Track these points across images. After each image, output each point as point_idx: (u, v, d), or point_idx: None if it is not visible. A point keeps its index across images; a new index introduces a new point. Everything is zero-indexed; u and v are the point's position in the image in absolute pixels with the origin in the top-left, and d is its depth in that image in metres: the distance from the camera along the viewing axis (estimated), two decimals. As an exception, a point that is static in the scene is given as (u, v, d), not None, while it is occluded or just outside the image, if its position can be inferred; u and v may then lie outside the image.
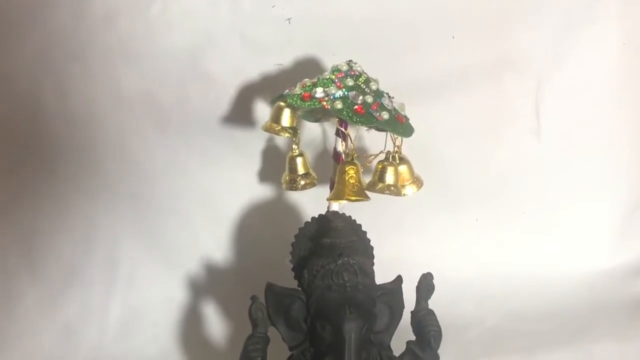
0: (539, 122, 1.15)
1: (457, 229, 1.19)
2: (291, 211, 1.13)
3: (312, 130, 1.11)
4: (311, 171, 1.01)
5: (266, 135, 1.11)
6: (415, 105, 0.97)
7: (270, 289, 0.89)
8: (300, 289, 0.89)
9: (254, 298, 0.89)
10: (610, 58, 1.15)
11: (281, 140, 1.11)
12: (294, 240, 0.92)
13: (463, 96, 1.13)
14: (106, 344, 1.10)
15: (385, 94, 0.93)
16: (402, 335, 0.93)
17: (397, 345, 0.93)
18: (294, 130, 0.95)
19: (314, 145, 1.11)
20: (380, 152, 0.93)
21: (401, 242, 1.12)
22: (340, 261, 0.86)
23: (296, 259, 0.92)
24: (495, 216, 1.19)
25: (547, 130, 1.16)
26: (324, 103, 0.90)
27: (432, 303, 0.92)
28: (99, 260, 1.11)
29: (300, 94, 0.91)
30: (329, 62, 1.02)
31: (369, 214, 0.95)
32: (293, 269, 0.92)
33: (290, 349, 0.89)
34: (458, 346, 1.07)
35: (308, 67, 1.07)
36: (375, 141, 0.96)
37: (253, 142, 1.11)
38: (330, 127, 1.09)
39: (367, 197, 0.91)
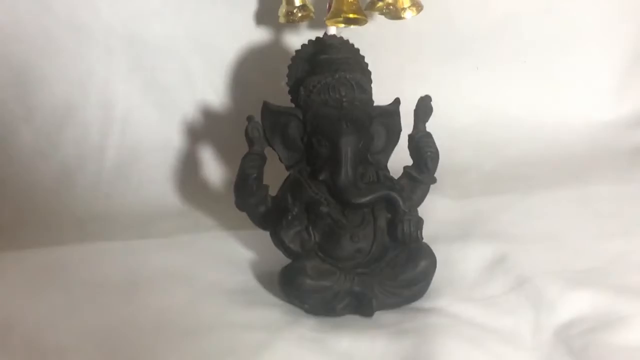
0: (543, -36, 1.13)
1: (457, 77, 1.17)
2: (290, 54, 1.10)
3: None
4: (308, 3, 1.00)
5: (262, -26, 1.10)
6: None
7: (266, 107, 0.89)
8: (296, 107, 0.89)
9: (250, 117, 0.88)
10: None
11: (277, -20, 1.09)
12: (290, 63, 0.92)
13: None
14: (103, 183, 1.10)
15: None
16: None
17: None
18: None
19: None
20: (380, -27, 0.92)
21: (400, 90, 1.08)
22: (337, 75, 0.86)
23: (292, 81, 0.91)
24: (495, 64, 1.17)
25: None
26: None
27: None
28: (94, 100, 1.10)
29: None
30: None
31: (367, 61, 0.93)
32: (289, 92, 0.91)
33: (287, 168, 0.90)
34: (456, 187, 1.07)
35: None
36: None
37: (249, -18, 1.09)
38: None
39: (365, 17, 0.89)
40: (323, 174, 0.85)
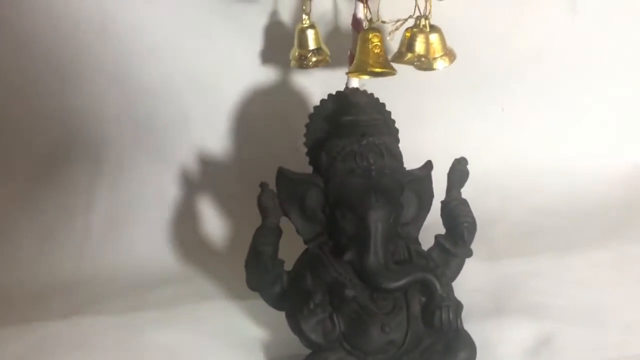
0: (575, -6, 1.02)
1: (482, 118, 1.07)
2: (299, 97, 1.00)
3: (322, 4, 0.97)
4: (324, 46, 0.90)
5: (269, 9, 0.98)
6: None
7: (282, 174, 0.78)
8: (317, 174, 0.78)
9: (263, 185, 0.77)
10: None
11: (287, 14, 0.97)
12: (307, 121, 0.80)
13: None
14: (90, 243, 0.99)
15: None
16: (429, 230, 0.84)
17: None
18: (304, -10, 0.82)
19: (325, 22, 0.97)
20: (409, 17, 0.80)
21: (421, 134, 1.01)
22: (364, 141, 0.75)
23: (311, 142, 0.80)
24: (523, 103, 1.07)
25: (584, 4, 1.02)
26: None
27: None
28: (80, 147, 0.99)
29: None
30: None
31: (385, 103, 0.83)
32: (307, 154, 0.80)
33: (306, 242, 0.79)
34: (483, 244, 0.93)
35: None
36: (400, 9, 0.83)
37: (254, 17, 0.98)
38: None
39: (393, 70, 0.78)
40: (348, 254, 0.74)
